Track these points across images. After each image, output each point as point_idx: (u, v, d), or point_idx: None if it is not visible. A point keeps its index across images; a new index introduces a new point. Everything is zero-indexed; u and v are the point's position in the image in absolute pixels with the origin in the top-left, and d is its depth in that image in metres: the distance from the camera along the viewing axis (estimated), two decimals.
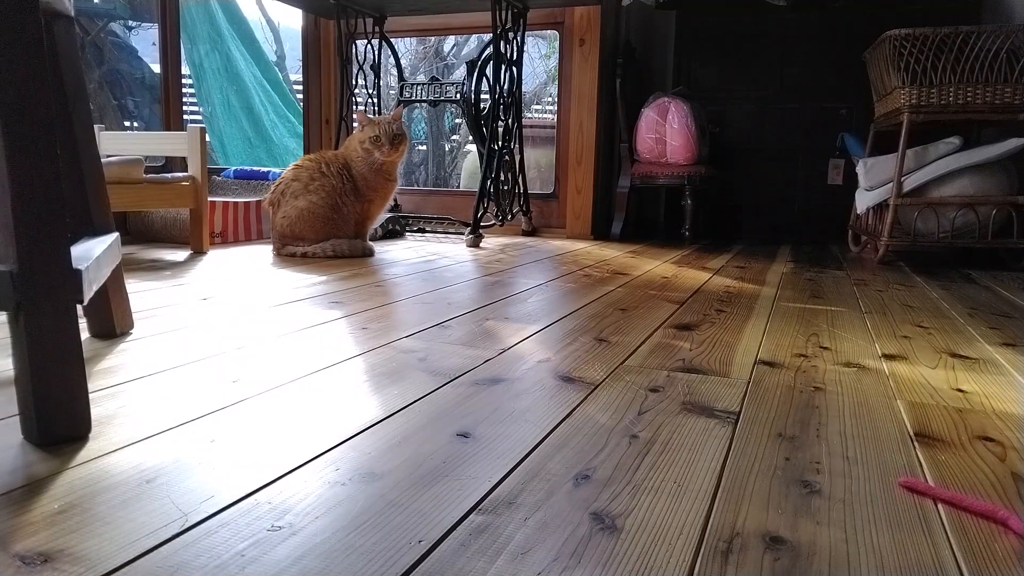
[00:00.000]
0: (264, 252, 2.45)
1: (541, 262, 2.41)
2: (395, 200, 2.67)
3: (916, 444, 0.83)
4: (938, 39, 2.36)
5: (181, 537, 0.57)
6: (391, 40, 3.39)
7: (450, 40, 7.29)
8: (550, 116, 5.89)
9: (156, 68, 4.52)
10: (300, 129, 4.61)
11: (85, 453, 0.73)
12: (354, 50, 3.25)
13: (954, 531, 0.62)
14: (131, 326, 1.27)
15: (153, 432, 0.79)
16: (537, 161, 4.51)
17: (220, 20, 6.35)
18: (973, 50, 2.35)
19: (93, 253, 0.91)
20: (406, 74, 3.51)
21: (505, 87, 3.01)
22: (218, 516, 0.61)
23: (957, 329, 1.49)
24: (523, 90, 3.24)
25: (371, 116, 2.41)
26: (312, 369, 1.06)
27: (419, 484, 0.68)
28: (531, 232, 3.42)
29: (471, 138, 3.66)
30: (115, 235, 1.13)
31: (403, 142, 2.41)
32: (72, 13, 1.06)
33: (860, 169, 2.81)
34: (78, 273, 0.77)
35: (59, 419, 0.76)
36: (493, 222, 3.09)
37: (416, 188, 3.99)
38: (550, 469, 0.73)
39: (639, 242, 3.22)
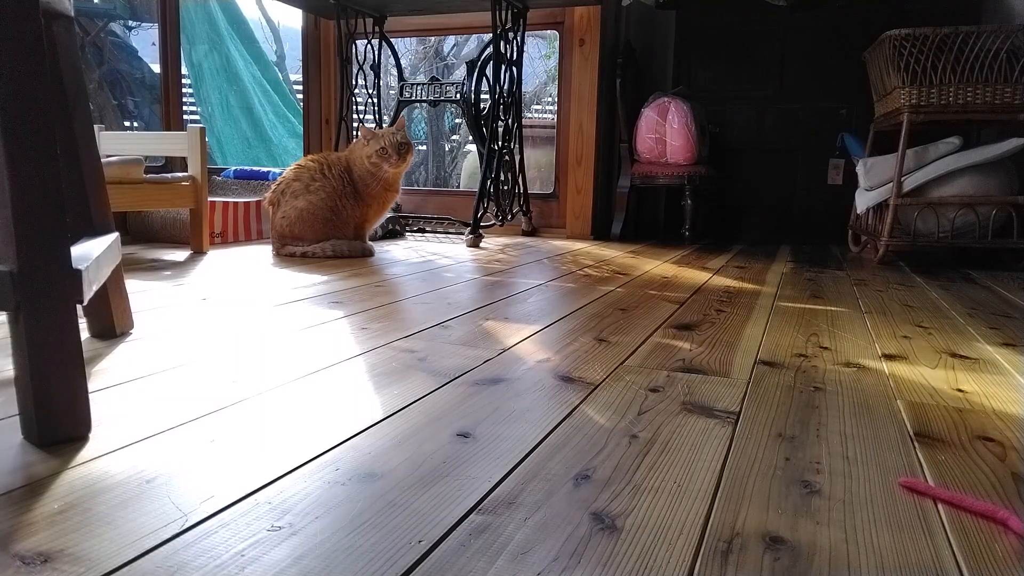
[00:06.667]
0: (264, 252, 2.45)
1: (541, 262, 2.41)
2: (396, 200, 2.67)
3: (916, 444, 0.83)
4: (938, 39, 2.36)
5: (181, 537, 0.57)
6: (391, 40, 3.39)
7: (450, 40, 7.29)
8: (550, 116, 5.89)
9: (156, 68, 4.52)
10: (300, 129, 4.61)
11: (85, 453, 0.73)
12: (354, 50, 3.25)
13: (954, 531, 0.62)
14: (131, 326, 1.27)
15: (153, 432, 0.79)
16: (537, 161, 4.50)
17: (219, 20, 6.34)
18: (973, 50, 2.35)
19: (93, 253, 0.91)
20: (406, 74, 3.51)
21: (505, 87, 3.01)
22: (218, 516, 0.61)
23: (957, 329, 1.49)
24: (523, 90, 3.24)
25: (374, 130, 2.41)
26: (312, 369, 1.06)
27: (419, 484, 0.68)
28: (531, 232, 3.42)
29: (471, 138, 3.66)
30: (115, 235, 1.13)
31: (409, 151, 2.40)
32: (72, 13, 1.06)
33: (860, 169, 2.81)
34: (78, 273, 0.77)
35: (59, 419, 0.76)
36: (493, 222, 3.09)
37: (416, 188, 3.99)
38: (550, 469, 0.73)
39: (639, 242, 3.21)
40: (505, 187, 3.11)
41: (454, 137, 7.57)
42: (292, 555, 0.55)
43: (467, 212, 3.14)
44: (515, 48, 3.07)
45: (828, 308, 1.69)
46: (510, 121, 3.06)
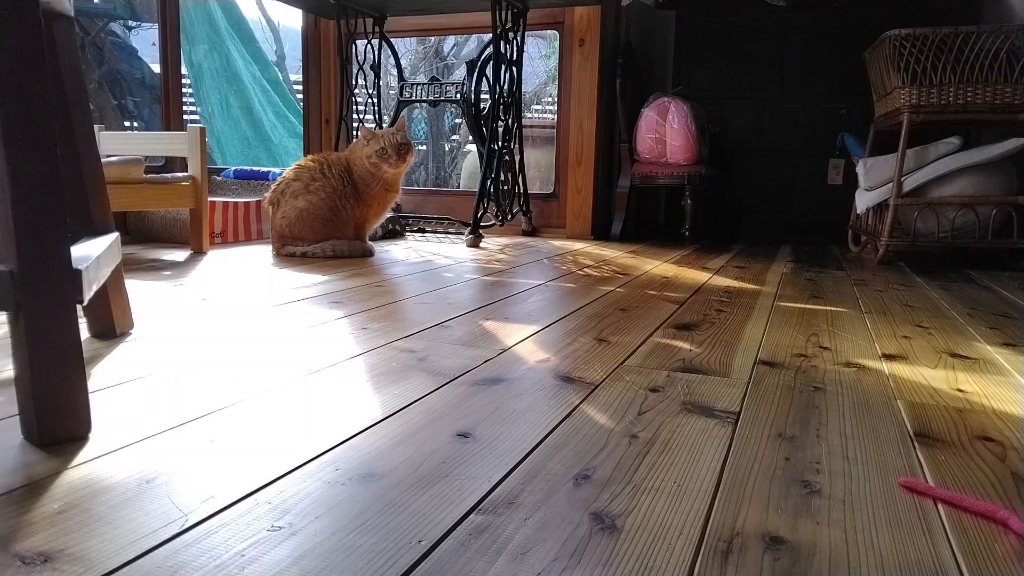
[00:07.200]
0: (264, 252, 2.45)
1: (541, 262, 2.41)
2: (396, 201, 2.67)
3: (916, 444, 0.83)
4: (938, 39, 2.36)
5: (181, 537, 0.57)
6: (391, 40, 3.39)
7: (450, 40, 7.29)
8: (550, 116, 5.89)
9: (156, 68, 4.52)
10: (300, 129, 4.61)
11: (85, 453, 0.73)
12: (354, 50, 3.25)
13: (954, 531, 0.62)
14: (131, 326, 1.27)
15: (153, 432, 0.79)
16: (537, 161, 4.50)
17: (219, 20, 6.35)
18: (973, 50, 2.35)
19: (93, 253, 0.91)
20: (406, 74, 3.51)
21: (505, 87, 3.01)
22: (218, 516, 0.61)
23: (957, 329, 1.49)
24: (523, 90, 3.24)
25: (374, 130, 2.41)
26: (312, 369, 1.06)
27: (419, 484, 0.68)
28: (531, 232, 3.42)
29: (471, 138, 3.66)
30: (115, 235, 1.13)
31: (409, 151, 2.40)
32: (72, 13, 1.06)
33: (860, 169, 2.81)
34: (78, 273, 0.77)
35: (59, 419, 0.76)
36: (493, 222, 3.09)
37: (416, 188, 3.99)
38: (550, 469, 0.73)
39: (639, 242, 3.21)
40: (505, 187, 3.11)
41: (454, 137, 7.57)
42: (292, 555, 0.55)
43: (467, 212, 3.14)
44: (515, 48, 3.07)
45: (828, 308, 1.69)
46: (510, 121, 3.06)
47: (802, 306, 1.71)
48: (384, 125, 3.37)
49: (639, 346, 1.26)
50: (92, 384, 0.95)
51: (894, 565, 0.57)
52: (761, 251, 3.00)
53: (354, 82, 3.27)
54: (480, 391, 0.98)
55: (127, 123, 5.96)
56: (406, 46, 7.16)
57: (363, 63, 3.26)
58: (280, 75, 7.05)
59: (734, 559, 0.57)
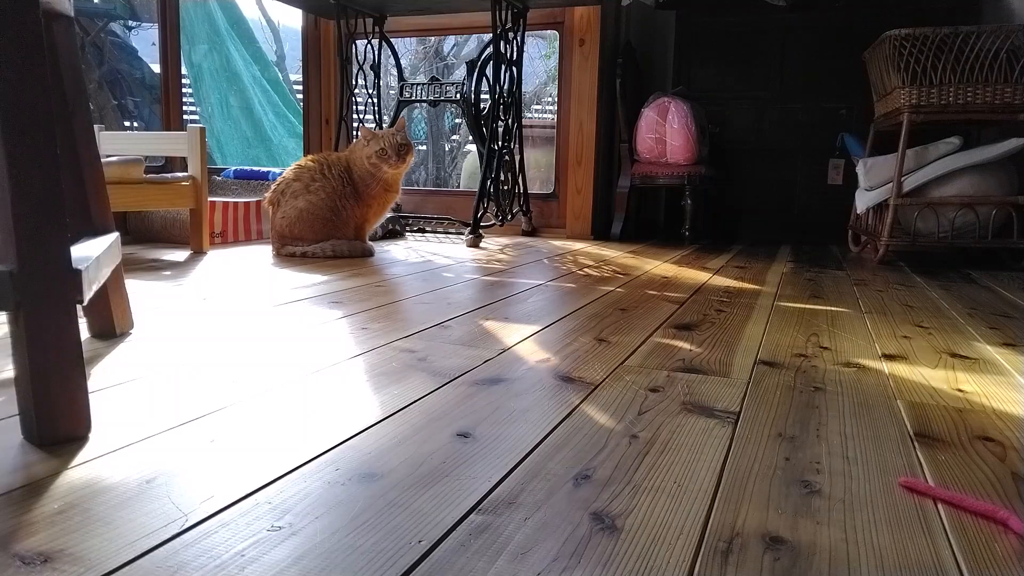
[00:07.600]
0: (264, 252, 2.45)
1: (541, 262, 2.41)
2: (396, 201, 2.67)
3: (916, 444, 0.83)
4: (938, 39, 2.36)
5: (181, 537, 0.57)
6: (391, 40, 3.39)
7: (450, 40, 7.29)
8: (550, 116, 5.89)
9: (156, 68, 4.52)
10: (300, 129, 4.61)
11: (85, 453, 0.73)
12: (354, 50, 3.25)
13: (954, 531, 0.62)
14: (131, 326, 1.27)
15: (153, 432, 0.79)
16: (537, 161, 4.50)
17: (219, 20, 6.35)
18: (973, 50, 2.35)
19: (93, 253, 0.91)
20: (406, 74, 3.51)
21: (505, 87, 3.01)
22: (218, 516, 0.61)
23: (957, 329, 1.49)
24: (523, 90, 3.24)
25: (374, 130, 2.41)
26: (312, 369, 1.06)
27: (419, 484, 0.68)
28: (531, 232, 3.42)
29: (471, 138, 3.66)
30: (115, 235, 1.13)
31: (409, 152, 2.40)
32: (72, 13, 1.06)
33: (860, 169, 2.81)
34: (78, 273, 0.77)
35: (59, 419, 0.76)
36: (493, 222, 3.09)
37: (416, 188, 3.99)
38: (550, 469, 0.73)
39: (639, 242, 3.21)
40: (505, 187, 3.11)
41: (454, 137, 7.57)
42: (292, 555, 0.55)
43: (467, 212, 3.14)
44: (515, 48, 3.07)
45: (828, 308, 1.69)
46: (510, 121, 3.06)
47: (802, 306, 1.71)
48: (384, 125, 3.37)
49: (639, 346, 1.26)
50: (92, 384, 0.95)
51: (894, 565, 0.57)
52: (761, 251, 3.00)
53: (354, 82, 3.27)
54: (480, 391, 0.98)
55: (127, 123, 5.96)
56: (406, 46, 7.15)
57: (363, 63, 3.26)
58: (280, 75, 7.05)
59: (734, 559, 0.57)
